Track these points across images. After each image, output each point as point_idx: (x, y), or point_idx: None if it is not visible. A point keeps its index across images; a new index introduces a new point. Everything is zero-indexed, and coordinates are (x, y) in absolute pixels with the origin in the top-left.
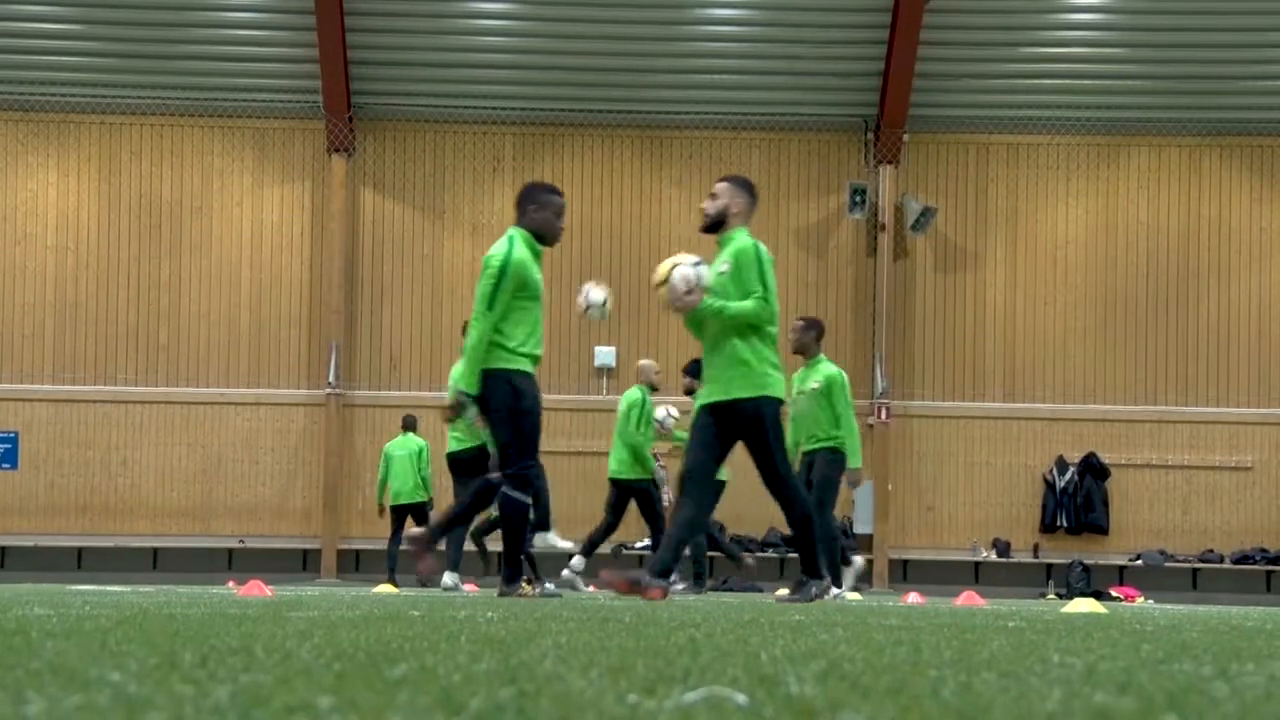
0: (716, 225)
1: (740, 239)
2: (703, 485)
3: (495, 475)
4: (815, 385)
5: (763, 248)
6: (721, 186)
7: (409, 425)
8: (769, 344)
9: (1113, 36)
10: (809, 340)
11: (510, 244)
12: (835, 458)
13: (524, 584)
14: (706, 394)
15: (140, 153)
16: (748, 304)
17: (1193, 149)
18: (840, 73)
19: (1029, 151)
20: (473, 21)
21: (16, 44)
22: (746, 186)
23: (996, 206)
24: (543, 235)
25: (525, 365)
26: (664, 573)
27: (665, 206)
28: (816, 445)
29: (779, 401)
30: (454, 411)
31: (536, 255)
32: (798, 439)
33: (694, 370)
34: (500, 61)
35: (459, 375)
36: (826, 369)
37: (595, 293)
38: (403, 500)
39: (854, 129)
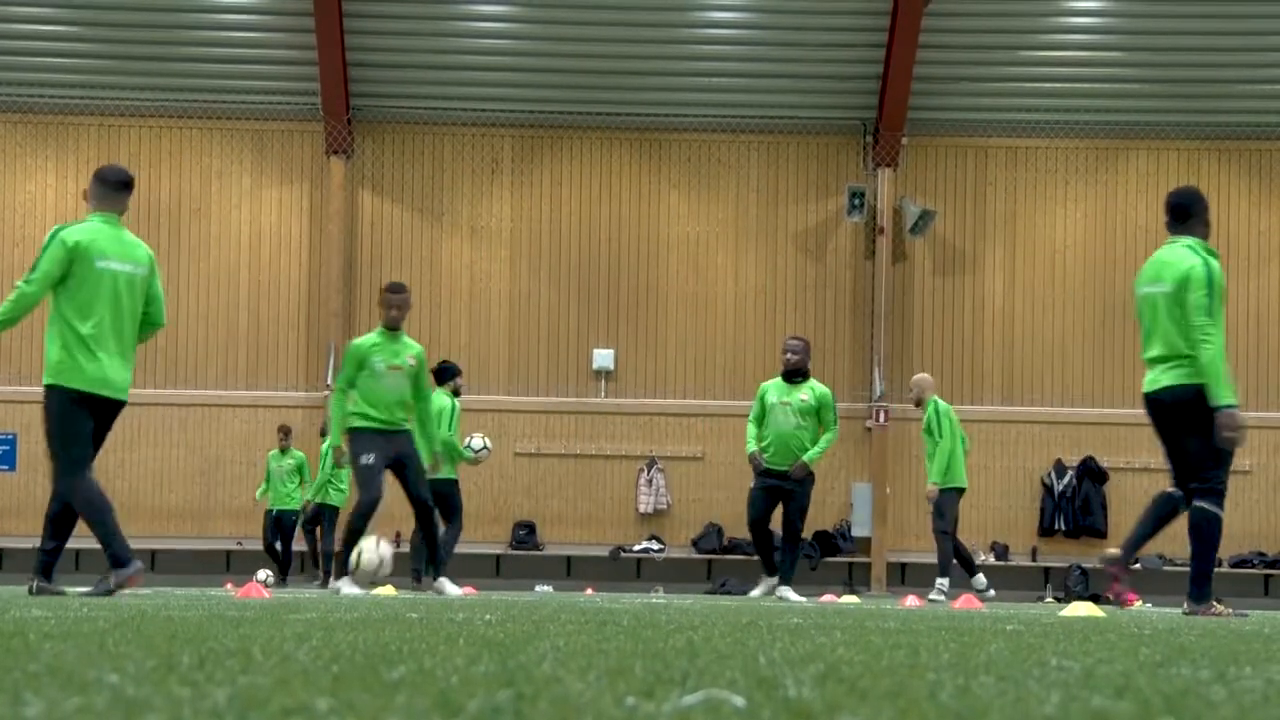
0: None
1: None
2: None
3: (1174, 491)
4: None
5: (66, 235)
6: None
7: (288, 432)
8: (72, 329)
9: (1111, 40)
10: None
11: (1200, 256)
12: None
13: (1216, 603)
14: None
15: (139, 154)
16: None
17: (1191, 152)
18: (839, 75)
19: (1028, 155)
20: (471, 24)
21: (15, 45)
22: (102, 178)
23: (995, 210)
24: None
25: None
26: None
27: (663, 209)
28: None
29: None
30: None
31: None
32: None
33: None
34: (499, 64)
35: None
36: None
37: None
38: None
39: (853, 132)
